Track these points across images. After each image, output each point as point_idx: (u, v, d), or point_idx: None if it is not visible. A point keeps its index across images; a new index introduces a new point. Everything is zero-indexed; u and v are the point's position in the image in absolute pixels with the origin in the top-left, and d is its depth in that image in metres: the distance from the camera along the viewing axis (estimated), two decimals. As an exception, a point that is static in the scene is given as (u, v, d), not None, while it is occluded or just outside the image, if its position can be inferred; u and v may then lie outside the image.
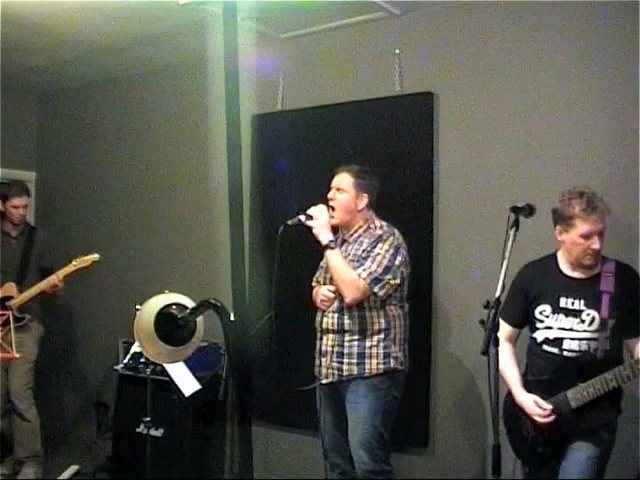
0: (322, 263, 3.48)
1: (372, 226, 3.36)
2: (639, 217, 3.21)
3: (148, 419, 3.96)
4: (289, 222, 3.28)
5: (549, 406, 2.81)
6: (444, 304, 3.83)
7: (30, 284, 4.61)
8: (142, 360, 4.36)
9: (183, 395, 4.07)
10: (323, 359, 3.34)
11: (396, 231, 3.34)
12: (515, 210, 2.69)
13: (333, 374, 3.30)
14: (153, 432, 4.12)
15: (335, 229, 3.39)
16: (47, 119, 6.04)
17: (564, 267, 2.93)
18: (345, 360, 3.26)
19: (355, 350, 3.25)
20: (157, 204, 5.22)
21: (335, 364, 3.28)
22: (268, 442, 4.40)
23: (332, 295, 3.32)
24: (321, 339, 3.38)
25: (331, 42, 4.30)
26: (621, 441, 2.86)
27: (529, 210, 2.72)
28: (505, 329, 2.93)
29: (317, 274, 3.54)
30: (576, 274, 2.90)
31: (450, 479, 3.78)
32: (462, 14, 3.81)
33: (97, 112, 5.62)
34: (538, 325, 2.93)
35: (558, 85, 3.52)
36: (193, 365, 4.06)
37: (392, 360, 3.26)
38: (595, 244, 2.78)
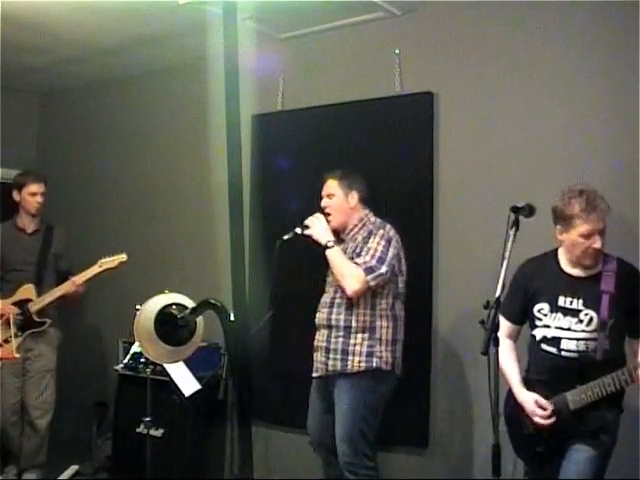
0: None
1: (367, 223, 3.45)
2: (639, 216, 3.21)
3: (148, 419, 3.96)
4: (285, 237, 3.34)
5: (550, 406, 2.79)
6: (444, 304, 3.83)
7: (48, 286, 4.34)
8: (142, 360, 4.35)
9: (183, 395, 4.07)
10: (315, 354, 3.45)
11: (388, 225, 3.42)
12: (515, 210, 2.68)
13: (321, 368, 3.40)
14: (153, 432, 4.11)
15: (336, 233, 3.45)
16: (47, 119, 6.04)
17: (564, 264, 2.90)
18: (330, 356, 3.36)
19: (339, 347, 3.34)
20: (157, 204, 5.22)
21: (323, 359, 3.39)
22: (268, 442, 4.40)
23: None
24: (316, 334, 3.47)
25: (331, 42, 4.30)
26: (621, 441, 2.85)
27: (529, 210, 2.71)
28: (505, 326, 2.91)
29: (328, 271, 3.57)
30: (576, 272, 2.87)
31: (450, 479, 3.78)
32: (462, 14, 3.81)
33: (97, 112, 5.62)
34: (537, 323, 2.91)
35: (558, 84, 3.52)
36: (193, 365, 4.06)
37: (376, 359, 3.30)
38: (596, 243, 2.75)
